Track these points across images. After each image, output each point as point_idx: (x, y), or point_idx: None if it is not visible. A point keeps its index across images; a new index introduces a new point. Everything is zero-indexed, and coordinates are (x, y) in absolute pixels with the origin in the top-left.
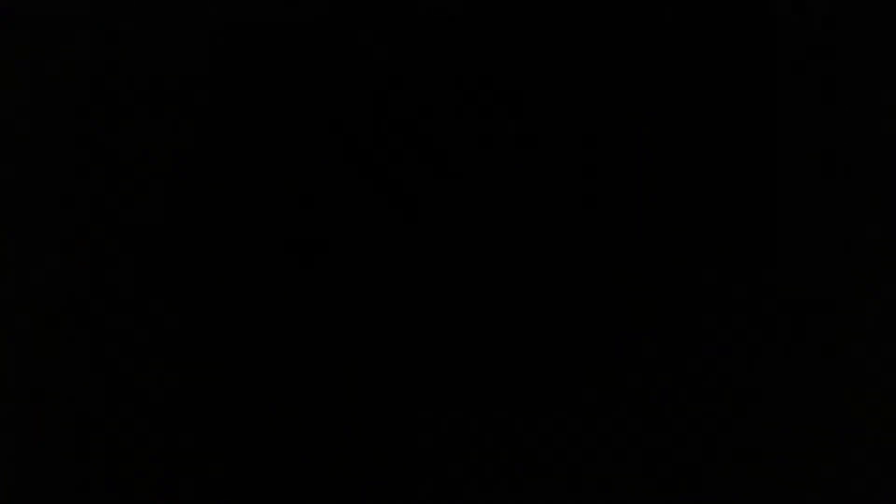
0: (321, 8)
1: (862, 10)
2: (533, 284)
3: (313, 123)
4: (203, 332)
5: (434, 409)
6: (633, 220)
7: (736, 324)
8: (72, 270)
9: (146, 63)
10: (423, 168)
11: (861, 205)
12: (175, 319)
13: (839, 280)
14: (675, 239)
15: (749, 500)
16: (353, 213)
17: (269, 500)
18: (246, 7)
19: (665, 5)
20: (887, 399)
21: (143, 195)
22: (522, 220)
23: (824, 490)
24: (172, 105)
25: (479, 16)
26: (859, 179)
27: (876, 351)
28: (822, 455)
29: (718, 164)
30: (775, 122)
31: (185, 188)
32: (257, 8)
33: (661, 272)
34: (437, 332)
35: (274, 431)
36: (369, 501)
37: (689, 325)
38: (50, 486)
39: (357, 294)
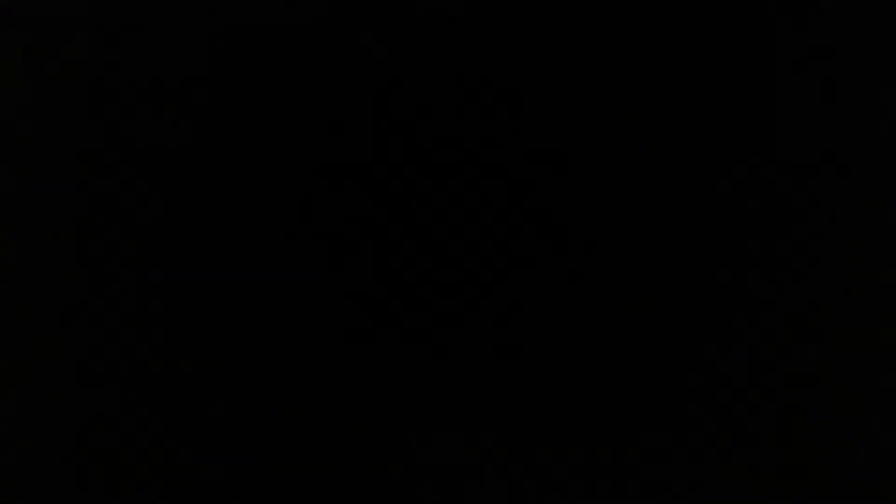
0: (321, 8)
1: (862, 10)
2: (533, 284)
3: (313, 123)
4: (203, 331)
5: (433, 411)
6: (632, 220)
7: (735, 324)
8: (72, 270)
9: (146, 63)
10: (422, 168)
11: (861, 205)
12: (175, 319)
13: (839, 280)
14: (674, 239)
15: (750, 501)
16: (353, 213)
17: (269, 501)
18: (246, 7)
19: (665, 5)
20: (887, 399)
21: (143, 195)
22: (522, 220)
23: (824, 490)
24: (172, 105)
25: (479, 16)
26: (859, 179)
27: (876, 351)
28: (823, 455)
29: (718, 165)
30: (775, 122)
31: (185, 188)
32: (257, 8)
33: (660, 272)
34: (436, 332)
35: (272, 434)
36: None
37: (688, 325)
38: (50, 486)
39: (356, 294)
